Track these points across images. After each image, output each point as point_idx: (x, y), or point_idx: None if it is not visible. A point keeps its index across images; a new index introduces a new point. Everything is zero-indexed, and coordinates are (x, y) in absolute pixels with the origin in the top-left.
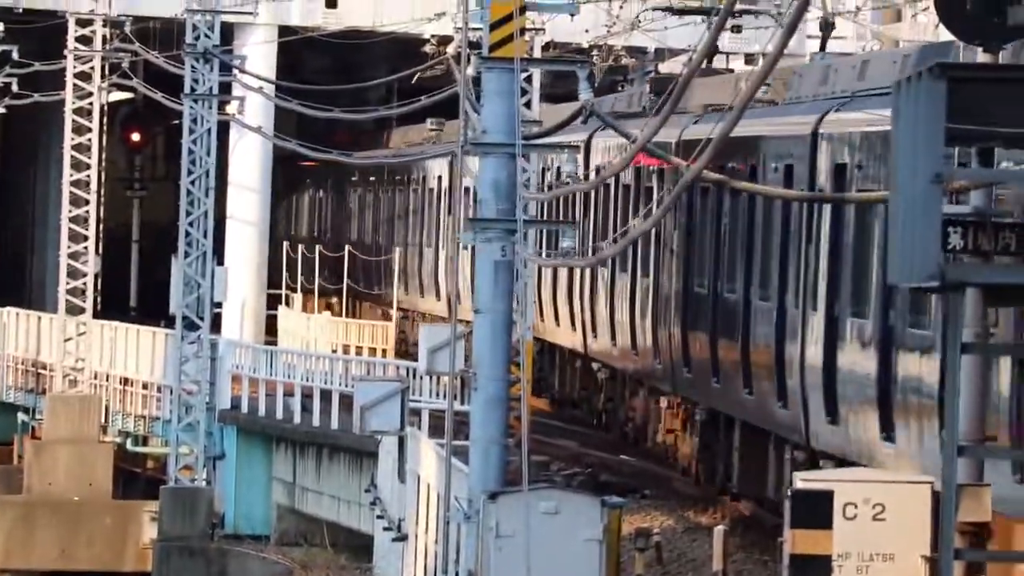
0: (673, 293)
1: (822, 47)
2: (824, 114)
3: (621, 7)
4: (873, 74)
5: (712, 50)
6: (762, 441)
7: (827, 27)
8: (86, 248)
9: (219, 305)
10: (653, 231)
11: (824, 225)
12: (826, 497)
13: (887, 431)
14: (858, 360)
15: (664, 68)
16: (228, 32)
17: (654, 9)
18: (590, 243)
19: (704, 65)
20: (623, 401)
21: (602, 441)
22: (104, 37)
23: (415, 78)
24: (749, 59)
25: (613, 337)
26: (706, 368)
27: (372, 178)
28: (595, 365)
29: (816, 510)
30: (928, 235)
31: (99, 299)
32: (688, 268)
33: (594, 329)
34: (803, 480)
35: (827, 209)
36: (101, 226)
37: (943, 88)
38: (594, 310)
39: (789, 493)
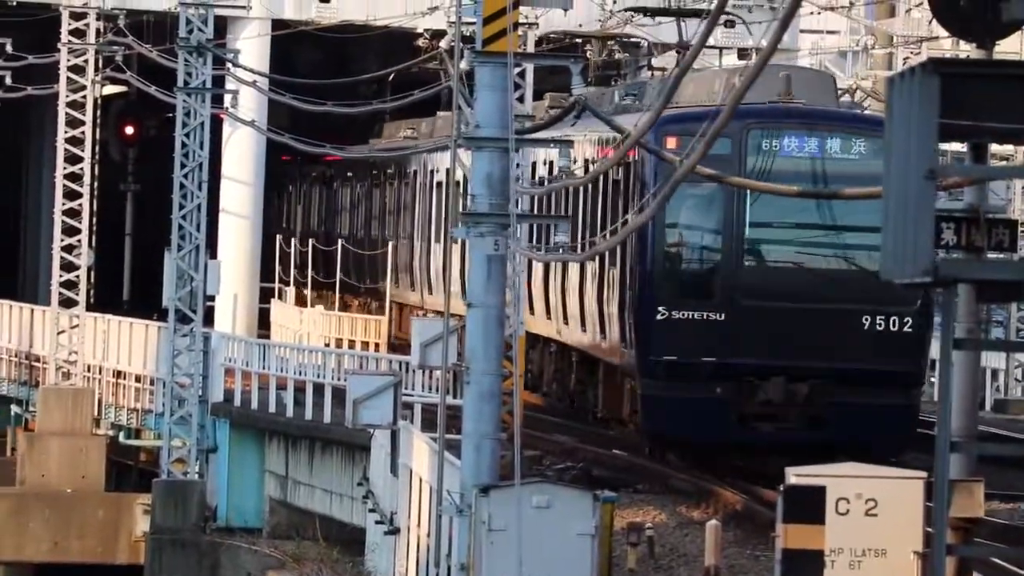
0: None
1: None
2: None
3: (615, 1)
4: None
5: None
6: None
7: None
8: (79, 241)
9: (212, 298)
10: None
11: None
12: (818, 492)
13: None
14: None
15: (657, 63)
16: (221, 26)
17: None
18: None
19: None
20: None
21: (596, 436)
22: (98, 31)
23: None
24: (743, 54)
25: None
26: None
27: (364, 172)
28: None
29: (809, 505)
30: (921, 231)
31: (92, 292)
32: None
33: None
34: (796, 476)
35: None
36: (94, 219)
37: (936, 84)
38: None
39: (782, 488)
